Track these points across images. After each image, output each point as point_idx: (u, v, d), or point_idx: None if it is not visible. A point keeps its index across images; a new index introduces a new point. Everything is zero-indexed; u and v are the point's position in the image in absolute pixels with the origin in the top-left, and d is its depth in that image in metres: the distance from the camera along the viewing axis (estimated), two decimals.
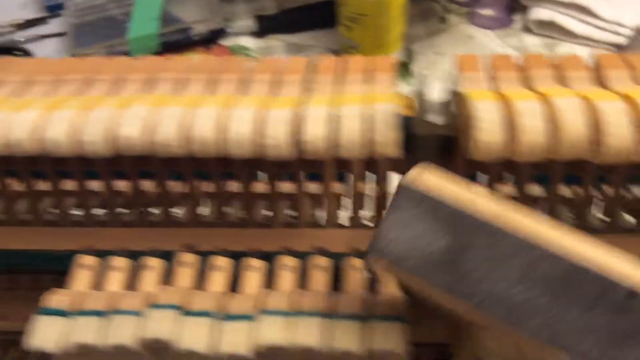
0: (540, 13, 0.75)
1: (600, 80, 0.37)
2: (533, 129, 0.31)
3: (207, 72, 0.39)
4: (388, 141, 0.32)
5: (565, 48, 0.75)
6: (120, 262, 0.38)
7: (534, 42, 0.76)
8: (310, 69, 0.38)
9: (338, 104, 0.33)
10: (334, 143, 0.32)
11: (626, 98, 0.33)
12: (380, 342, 0.32)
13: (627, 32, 0.71)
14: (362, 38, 0.69)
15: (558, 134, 0.31)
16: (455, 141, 0.34)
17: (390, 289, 0.36)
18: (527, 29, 0.77)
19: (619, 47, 0.72)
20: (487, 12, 0.80)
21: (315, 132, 0.32)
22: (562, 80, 0.36)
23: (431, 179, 0.29)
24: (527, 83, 0.36)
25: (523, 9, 0.78)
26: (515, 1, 0.79)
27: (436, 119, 0.31)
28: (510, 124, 0.32)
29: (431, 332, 0.40)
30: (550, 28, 0.76)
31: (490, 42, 0.76)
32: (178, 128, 0.32)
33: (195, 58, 0.42)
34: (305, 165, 0.38)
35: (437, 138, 0.33)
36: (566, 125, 0.31)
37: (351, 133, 0.32)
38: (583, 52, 0.74)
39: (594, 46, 0.74)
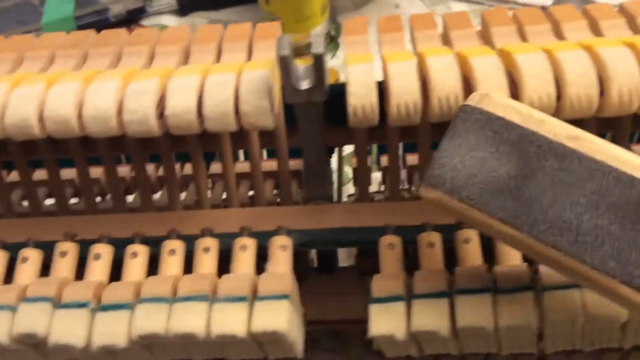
0: None
1: (488, 38, 0.36)
2: (403, 90, 0.30)
3: (81, 48, 0.37)
4: (258, 111, 0.30)
5: None
6: None
7: (461, 9, 0.75)
8: (188, 38, 0.36)
9: (208, 73, 0.31)
10: (199, 115, 0.30)
11: (500, 52, 0.32)
12: (264, 322, 0.31)
13: None
14: (282, 11, 0.67)
15: (428, 94, 0.30)
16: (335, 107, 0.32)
17: (279, 267, 0.34)
18: None
19: (543, 8, 0.71)
20: None
21: (179, 104, 0.30)
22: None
23: (497, 100, 0.27)
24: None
25: None
26: None
27: (303, 84, 0.29)
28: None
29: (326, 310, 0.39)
30: None
31: (417, 10, 0.74)
32: (33, 107, 0.30)
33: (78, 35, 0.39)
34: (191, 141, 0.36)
35: (313, 105, 0.31)
36: (435, 85, 0.30)
37: (217, 104, 0.30)
38: None
39: (520, 9, 0.73)
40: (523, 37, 0.35)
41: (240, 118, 0.30)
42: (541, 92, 0.29)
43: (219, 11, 0.77)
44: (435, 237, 0.34)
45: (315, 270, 0.45)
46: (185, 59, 0.35)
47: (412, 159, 0.44)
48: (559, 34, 0.35)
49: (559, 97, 0.30)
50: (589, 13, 0.36)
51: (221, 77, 0.31)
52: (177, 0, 0.76)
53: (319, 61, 0.29)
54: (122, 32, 0.39)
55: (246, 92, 0.30)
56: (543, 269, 0.31)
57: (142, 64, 0.35)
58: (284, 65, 0.29)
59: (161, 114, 0.31)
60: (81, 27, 0.74)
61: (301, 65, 0.30)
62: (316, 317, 0.40)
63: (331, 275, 0.44)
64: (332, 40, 0.73)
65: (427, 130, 0.35)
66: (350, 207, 0.38)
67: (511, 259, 0.33)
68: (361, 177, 0.40)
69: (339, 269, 0.45)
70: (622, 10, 0.36)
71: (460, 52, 0.32)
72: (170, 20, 0.76)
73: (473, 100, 0.27)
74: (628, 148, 0.29)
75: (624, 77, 0.29)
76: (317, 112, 0.32)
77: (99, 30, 0.75)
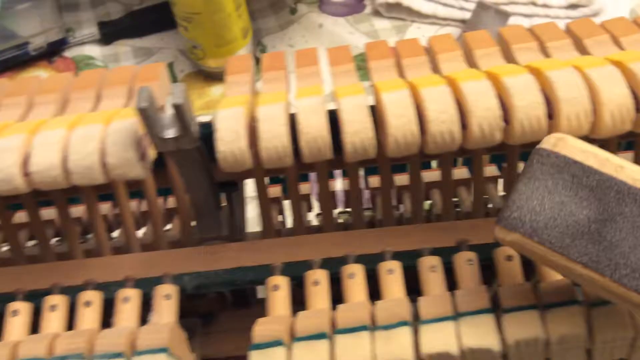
0: None
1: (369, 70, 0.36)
2: (271, 135, 0.29)
3: None
4: (124, 163, 0.29)
5: (414, 29, 0.74)
6: None
7: (384, 26, 0.75)
8: (68, 85, 0.36)
9: (75, 125, 0.31)
10: (65, 170, 0.29)
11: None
12: None
13: (472, 6, 0.71)
14: (201, 37, 0.67)
15: (300, 136, 0.30)
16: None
17: (162, 318, 0.33)
18: (378, 13, 0.76)
19: (463, 22, 0.72)
20: None
21: (42, 161, 0.29)
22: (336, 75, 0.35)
23: (573, 144, 0.27)
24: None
25: None
26: None
27: (168, 133, 0.29)
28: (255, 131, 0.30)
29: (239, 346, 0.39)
30: (398, 10, 0.75)
31: (340, 30, 0.75)
32: None
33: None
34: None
35: (185, 152, 0.31)
36: (307, 129, 0.30)
37: (82, 157, 0.29)
38: (431, 30, 0.74)
39: (441, 24, 0.74)
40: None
41: (107, 171, 0.30)
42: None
43: (142, 38, 0.76)
44: (322, 275, 0.34)
45: (232, 305, 0.44)
46: (64, 108, 0.35)
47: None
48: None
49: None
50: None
51: (87, 130, 0.30)
52: (100, 30, 0.75)
53: (179, 111, 0.29)
54: (1, 81, 0.38)
55: (112, 144, 0.30)
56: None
57: (18, 116, 0.34)
58: (145, 116, 0.28)
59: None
60: (1, 63, 0.73)
61: (165, 114, 0.30)
62: (228, 354, 0.39)
63: (247, 310, 0.44)
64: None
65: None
66: (245, 246, 0.37)
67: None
68: (263, 212, 0.40)
69: (258, 301, 0.44)
70: (568, 30, 0.37)
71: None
72: (93, 50, 0.75)
73: (548, 143, 0.28)
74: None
75: (571, 102, 0.30)
76: (190, 157, 0.32)
77: (19, 64, 0.75)
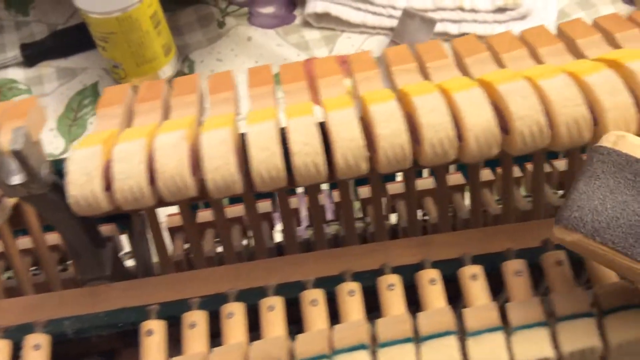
0: (316, 6, 0.73)
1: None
2: (125, 175, 0.28)
3: None
4: None
5: (344, 38, 0.73)
6: None
7: (314, 37, 0.74)
8: None
9: None
10: None
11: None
12: None
13: (399, 14, 0.70)
14: (120, 57, 0.65)
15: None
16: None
17: None
18: (308, 24, 0.75)
19: (392, 30, 0.71)
20: (267, 10, 0.77)
21: None
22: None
23: (633, 142, 0.26)
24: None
25: (303, 3, 0.75)
26: None
27: (15, 179, 0.27)
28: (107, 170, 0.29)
29: None
30: (327, 20, 0.73)
31: (269, 42, 0.73)
32: None
33: None
34: None
35: (37, 197, 0.29)
36: (163, 167, 0.28)
37: None
38: (360, 40, 0.72)
39: (371, 32, 0.73)
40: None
41: None
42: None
43: (66, 59, 0.74)
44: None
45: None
46: None
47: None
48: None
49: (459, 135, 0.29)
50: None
51: None
52: (22, 52, 0.73)
53: (20, 157, 0.27)
54: None
55: None
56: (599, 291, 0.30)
57: None
58: None
59: None
60: None
61: (12, 159, 0.28)
62: None
63: None
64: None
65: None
66: (130, 285, 0.36)
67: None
68: (157, 246, 0.38)
69: None
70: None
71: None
72: (17, 74, 0.73)
73: (609, 141, 0.27)
74: None
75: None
76: (46, 202, 0.30)
77: None
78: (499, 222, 0.42)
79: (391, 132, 0.28)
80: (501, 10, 0.69)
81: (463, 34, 0.70)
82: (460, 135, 0.28)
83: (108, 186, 0.29)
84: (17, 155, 0.27)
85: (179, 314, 0.33)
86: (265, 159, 0.28)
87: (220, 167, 0.28)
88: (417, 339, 0.29)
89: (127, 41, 0.63)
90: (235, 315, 0.32)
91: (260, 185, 0.29)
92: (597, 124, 0.28)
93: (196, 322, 0.32)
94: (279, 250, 0.43)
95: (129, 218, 0.40)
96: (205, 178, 0.28)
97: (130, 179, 0.28)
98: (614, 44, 0.34)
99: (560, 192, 0.46)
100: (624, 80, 0.29)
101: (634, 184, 0.26)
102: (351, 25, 0.73)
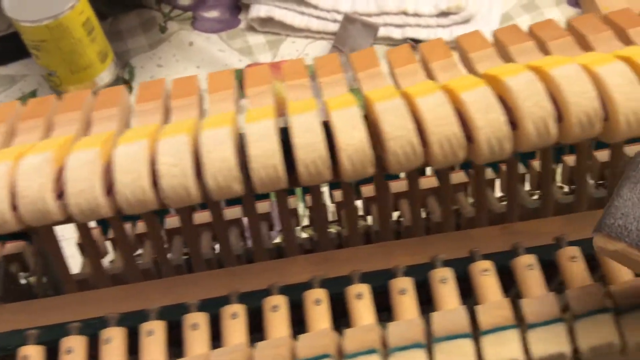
0: (260, 10, 0.72)
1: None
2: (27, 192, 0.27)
3: None
4: None
5: (288, 43, 0.72)
6: None
7: (258, 41, 0.73)
8: None
9: None
10: None
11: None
12: None
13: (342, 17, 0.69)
14: (54, 64, 0.63)
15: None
16: None
17: None
18: (252, 29, 0.74)
19: (334, 34, 0.70)
20: (211, 14, 0.75)
21: None
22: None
23: None
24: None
25: (248, 8, 0.74)
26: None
27: None
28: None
29: None
30: (272, 24, 0.72)
31: (211, 47, 0.72)
32: None
33: None
34: None
35: None
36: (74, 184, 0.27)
37: None
38: (304, 44, 0.71)
39: (316, 37, 0.72)
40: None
41: None
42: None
43: (6, 66, 0.72)
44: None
45: None
46: None
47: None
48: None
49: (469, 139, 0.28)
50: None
51: None
52: None
53: None
54: None
55: None
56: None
57: None
58: None
59: None
60: None
61: None
62: None
63: None
64: (126, 85, 0.70)
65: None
66: (19, 307, 0.35)
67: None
68: (59, 267, 0.37)
69: None
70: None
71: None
72: None
73: None
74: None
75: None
76: None
77: None
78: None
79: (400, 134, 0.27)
80: (444, 14, 0.69)
81: (406, 39, 0.69)
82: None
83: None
84: None
85: (59, 337, 0.32)
86: (175, 175, 0.27)
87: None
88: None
89: (59, 49, 0.62)
90: (155, 333, 0.31)
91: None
92: (472, 141, 0.27)
93: (72, 348, 0.31)
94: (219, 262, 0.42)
95: (27, 236, 0.39)
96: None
97: (28, 197, 0.27)
98: (545, 50, 0.33)
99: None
100: (502, 95, 0.28)
101: None
102: (295, 29, 0.72)
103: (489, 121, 0.27)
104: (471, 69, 0.33)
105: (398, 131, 0.27)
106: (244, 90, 0.34)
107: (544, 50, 0.33)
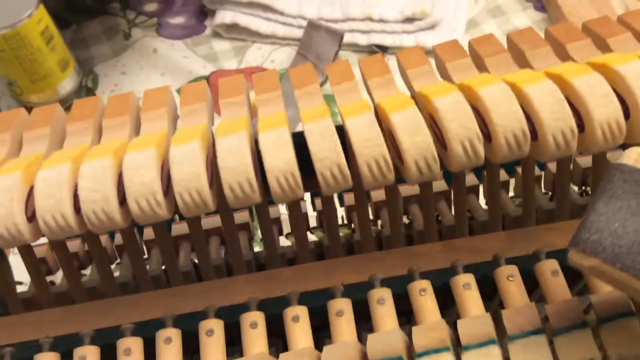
0: (225, 16, 0.71)
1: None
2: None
3: None
4: None
5: (254, 49, 0.71)
6: None
7: (224, 47, 0.72)
8: None
9: None
10: None
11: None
12: None
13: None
14: (14, 74, 0.62)
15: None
16: None
17: None
18: (218, 35, 0.73)
19: (300, 41, 0.69)
20: (177, 20, 0.75)
21: None
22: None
23: None
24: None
25: (214, 14, 0.73)
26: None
27: None
28: None
29: None
30: (237, 30, 0.72)
31: (175, 54, 0.71)
32: None
33: None
34: None
35: None
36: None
37: None
38: (270, 50, 0.71)
39: (281, 43, 0.71)
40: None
41: None
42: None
43: None
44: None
45: None
46: None
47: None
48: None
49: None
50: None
51: None
52: None
53: None
54: None
55: None
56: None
57: None
58: None
59: None
60: None
61: None
62: None
63: None
64: (90, 93, 0.69)
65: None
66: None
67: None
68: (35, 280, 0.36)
69: None
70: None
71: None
72: None
73: (630, 158, 0.25)
74: None
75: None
76: None
77: None
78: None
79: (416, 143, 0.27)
80: (410, 20, 0.68)
81: (371, 45, 0.69)
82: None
83: None
84: None
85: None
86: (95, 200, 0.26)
87: (54, 205, 0.26)
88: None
89: (17, 58, 0.61)
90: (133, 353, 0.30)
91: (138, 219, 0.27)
92: (403, 162, 0.27)
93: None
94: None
95: None
96: (37, 216, 0.27)
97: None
98: (482, 67, 0.33)
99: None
100: (430, 113, 0.28)
101: None
102: (261, 35, 0.71)
103: (415, 143, 0.26)
104: (408, 85, 0.32)
105: (324, 152, 0.27)
106: (219, 100, 0.33)
107: (481, 66, 0.32)
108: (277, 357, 0.28)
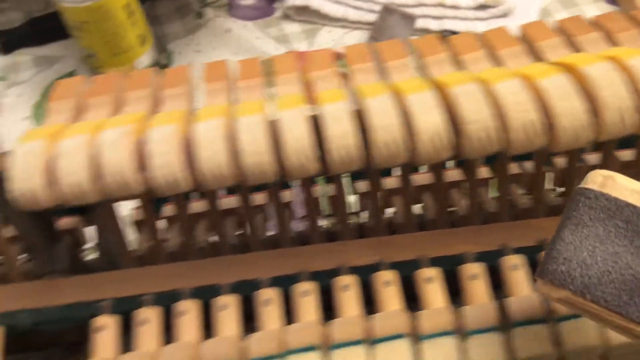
0: None
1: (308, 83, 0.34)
2: (69, 171, 0.27)
3: None
4: None
5: (324, 32, 0.72)
6: None
7: (294, 30, 0.73)
8: None
9: None
10: None
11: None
12: None
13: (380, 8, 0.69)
14: (95, 46, 0.64)
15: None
16: None
17: None
18: (288, 17, 0.74)
19: (372, 25, 0.70)
20: (247, 1, 0.76)
21: None
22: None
23: (623, 184, 0.24)
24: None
25: None
26: None
27: None
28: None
29: None
30: (308, 13, 0.73)
31: (248, 34, 0.72)
32: None
33: None
34: None
35: None
36: (109, 162, 0.28)
37: None
38: (341, 34, 0.72)
39: (352, 27, 0.72)
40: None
41: None
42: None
43: (43, 47, 0.73)
44: (153, 313, 0.32)
45: None
46: None
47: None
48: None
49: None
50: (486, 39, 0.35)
51: None
52: (1, 39, 0.72)
53: None
54: None
55: None
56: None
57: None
58: None
59: None
60: None
61: None
62: None
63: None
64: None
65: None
66: (83, 280, 0.35)
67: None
68: (118, 240, 0.38)
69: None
70: (522, 36, 0.35)
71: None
72: None
73: (595, 183, 0.24)
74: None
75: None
76: None
77: None
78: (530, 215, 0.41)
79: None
80: (483, 7, 0.69)
81: (444, 31, 0.69)
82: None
83: (52, 181, 0.28)
84: None
85: (131, 309, 0.32)
86: (254, 152, 0.28)
87: (165, 164, 0.28)
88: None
89: (100, 31, 0.62)
90: (188, 313, 0.31)
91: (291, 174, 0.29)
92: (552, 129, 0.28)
93: (148, 318, 0.31)
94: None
95: (84, 210, 0.40)
96: (151, 176, 0.28)
97: (73, 175, 0.28)
98: (575, 47, 0.34)
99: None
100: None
101: (626, 233, 0.24)
102: (331, 19, 0.72)
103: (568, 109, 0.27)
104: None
105: (475, 116, 0.27)
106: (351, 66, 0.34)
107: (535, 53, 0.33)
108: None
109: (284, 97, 0.31)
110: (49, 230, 0.35)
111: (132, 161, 0.28)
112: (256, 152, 0.28)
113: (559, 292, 0.24)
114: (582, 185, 0.24)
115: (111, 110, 0.32)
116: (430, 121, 0.27)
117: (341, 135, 0.27)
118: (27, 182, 0.27)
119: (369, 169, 0.29)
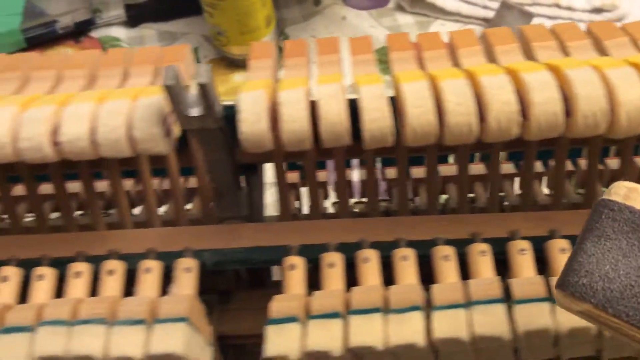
0: None
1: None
2: (292, 118, 0.30)
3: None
4: (150, 137, 0.30)
5: (437, 25, 0.75)
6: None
7: (407, 21, 0.76)
8: (96, 62, 0.37)
9: (104, 100, 0.32)
10: (92, 142, 0.31)
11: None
12: (161, 344, 0.31)
13: (495, 5, 0.71)
14: (225, 24, 0.68)
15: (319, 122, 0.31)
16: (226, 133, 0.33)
17: (182, 289, 0.34)
18: (401, 8, 0.77)
19: (486, 21, 0.72)
20: None
21: (72, 132, 0.30)
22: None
23: None
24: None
25: None
26: None
27: (193, 111, 0.30)
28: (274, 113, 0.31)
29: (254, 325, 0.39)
30: (422, 6, 0.75)
31: (362, 23, 0.75)
32: None
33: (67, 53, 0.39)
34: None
35: (208, 132, 0.32)
36: (326, 114, 0.30)
37: (110, 130, 0.30)
38: (454, 28, 0.74)
39: (465, 22, 0.74)
40: (492, 59, 0.36)
41: (133, 144, 0.31)
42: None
43: (168, 22, 0.77)
44: (337, 257, 0.35)
45: (248, 285, 0.45)
46: (92, 83, 0.36)
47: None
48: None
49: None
50: (556, 32, 0.37)
51: (115, 104, 0.31)
52: (126, 12, 0.76)
53: (204, 90, 0.30)
54: (32, 55, 0.39)
55: (139, 119, 0.31)
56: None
57: (47, 89, 0.35)
58: (171, 94, 0.29)
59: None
60: (29, 40, 0.74)
61: (191, 93, 0.30)
62: (243, 332, 0.40)
63: (263, 290, 0.45)
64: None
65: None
66: (262, 227, 0.38)
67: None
68: (281, 195, 0.41)
69: (274, 282, 0.45)
70: (552, 32, 0.37)
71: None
72: (119, 32, 0.77)
73: (619, 195, 0.24)
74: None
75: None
76: (213, 137, 0.33)
77: (47, 42, 0.76)
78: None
79: (545, 100, 0.30)
80: (597, 10, 0.70)
81: None
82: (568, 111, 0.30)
83: (273, 127, 0.31)
84: (202, 88, 0.29)
85: (313, 255, 0.35)
86: (419, 115, 0.30)
87: (378, 119, 0.31)
88: (468, 303, 0.31)
89: (234, 9, 0.66)
90: (370, 261, 0.34)
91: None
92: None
93: (334, 262, 0.34)
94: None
95: (255, 168, 0.43)
96: (363, 129, 0.31)
97: (296, 122, 0.31)
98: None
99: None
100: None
101: None
102: (445, 12, 0.74)
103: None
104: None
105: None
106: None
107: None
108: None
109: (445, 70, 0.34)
110: (237, 180, 0.38)
111: (347, 113, 0.31)
112: (462, 113, 0.30)
113: (580, 305, 0.23)
114: (606, 196, 0.24)
115: (307, 71, 0.36)
116: (633, 93, 0.29)
117: (546, 102, 0.30)
118: (254, 125, 0.30)
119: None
